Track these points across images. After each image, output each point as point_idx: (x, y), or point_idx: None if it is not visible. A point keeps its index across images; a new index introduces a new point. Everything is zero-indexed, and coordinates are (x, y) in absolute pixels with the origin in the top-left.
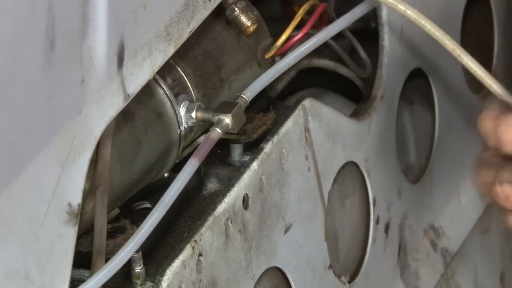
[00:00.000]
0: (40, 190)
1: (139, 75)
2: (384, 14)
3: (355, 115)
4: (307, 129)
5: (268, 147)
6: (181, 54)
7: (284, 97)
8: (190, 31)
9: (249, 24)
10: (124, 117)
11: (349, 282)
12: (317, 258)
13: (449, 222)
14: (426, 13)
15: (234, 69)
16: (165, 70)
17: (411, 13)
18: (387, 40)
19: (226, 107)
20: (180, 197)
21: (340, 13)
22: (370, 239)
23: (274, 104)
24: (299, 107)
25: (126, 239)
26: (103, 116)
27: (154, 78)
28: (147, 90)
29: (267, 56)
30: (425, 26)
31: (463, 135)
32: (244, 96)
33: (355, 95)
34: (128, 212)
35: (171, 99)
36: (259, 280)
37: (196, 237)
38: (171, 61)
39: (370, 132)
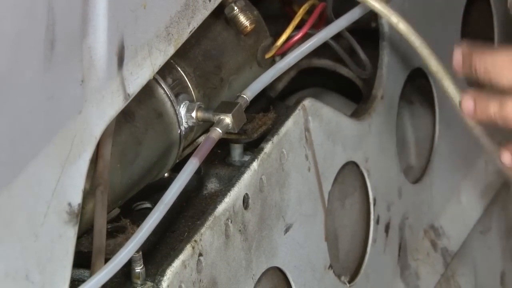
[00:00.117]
0: (40, 190)
1: (139, 75)
2: None
3: (355, 115)
4: (307, 129)
5: (268, 147)
6: (181, 54)
7: (284, 97)
8: (190, 31)
9: (247, 24)
10: (125, 117)
11: (349, 282)
12: (317, 258)
13: (449, 222)
14: (426, 13)
15: (234, 69)
16: (165, 70)
17: (403, 27)
18: (387, 40)
19: (226, 107)
20: (180, 197)
21: (338, 13)
22: (370, 239)
23: (274, 104)
24: (299, 107)
25: (127, 239)
26: (103, 116)
27: (154, 78)
28: (148, 90)
29: (267, 56)
30: (414, 43)
31: (463, 135)
32: (244, 96)
33: (355, 95)
34: (128, 212)
35: (171, 99)
36: (259, 280)
37: (196, 237)
38: (171, 61)
39: (370, 132)
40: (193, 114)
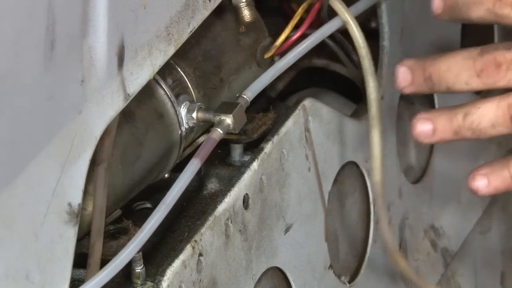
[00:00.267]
0: (40, 190)
1: (139, 75)
2: (384, 14)
3: (355, 115)
4: (307, 129)
5: (268, 147)
6: (181, 54)
7: (284, 97)
8: (191, 31)
9: (249, 17)
10: (125, 117)
11: (349, 282)
12: (317, 258)
13: (449, 222)
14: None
15: (234, 69)
16: (166, 71)
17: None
18: (387, 40)
19: (227, 108)
20: (181, 197)
21: (332, 14)
22: (370, 239)
23: (274, 104)
24: (299, 107)
25: (129, 241)
26: (103, 116)
27: (154, 79)
28: (148, 91)
29: (267, 56)
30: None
31: None
32: (244, 96)
33: (355, 95)
34: (128, 212)
35: (172, 100)
36: (259, 280)
37: (197, 237)
38: (171, 61)
39: None
40: (194, 115)
